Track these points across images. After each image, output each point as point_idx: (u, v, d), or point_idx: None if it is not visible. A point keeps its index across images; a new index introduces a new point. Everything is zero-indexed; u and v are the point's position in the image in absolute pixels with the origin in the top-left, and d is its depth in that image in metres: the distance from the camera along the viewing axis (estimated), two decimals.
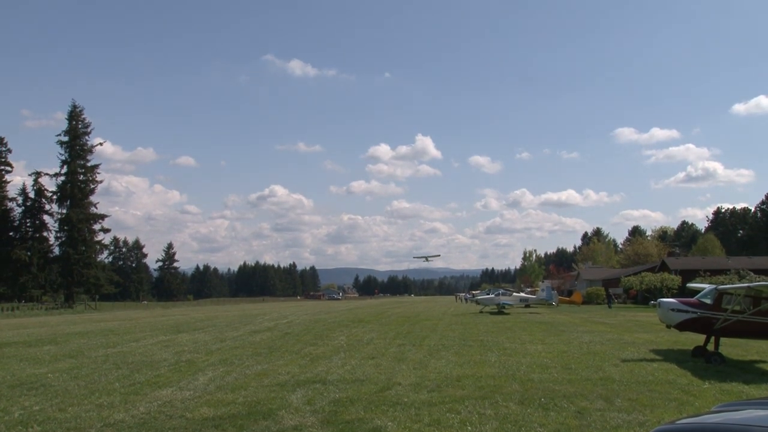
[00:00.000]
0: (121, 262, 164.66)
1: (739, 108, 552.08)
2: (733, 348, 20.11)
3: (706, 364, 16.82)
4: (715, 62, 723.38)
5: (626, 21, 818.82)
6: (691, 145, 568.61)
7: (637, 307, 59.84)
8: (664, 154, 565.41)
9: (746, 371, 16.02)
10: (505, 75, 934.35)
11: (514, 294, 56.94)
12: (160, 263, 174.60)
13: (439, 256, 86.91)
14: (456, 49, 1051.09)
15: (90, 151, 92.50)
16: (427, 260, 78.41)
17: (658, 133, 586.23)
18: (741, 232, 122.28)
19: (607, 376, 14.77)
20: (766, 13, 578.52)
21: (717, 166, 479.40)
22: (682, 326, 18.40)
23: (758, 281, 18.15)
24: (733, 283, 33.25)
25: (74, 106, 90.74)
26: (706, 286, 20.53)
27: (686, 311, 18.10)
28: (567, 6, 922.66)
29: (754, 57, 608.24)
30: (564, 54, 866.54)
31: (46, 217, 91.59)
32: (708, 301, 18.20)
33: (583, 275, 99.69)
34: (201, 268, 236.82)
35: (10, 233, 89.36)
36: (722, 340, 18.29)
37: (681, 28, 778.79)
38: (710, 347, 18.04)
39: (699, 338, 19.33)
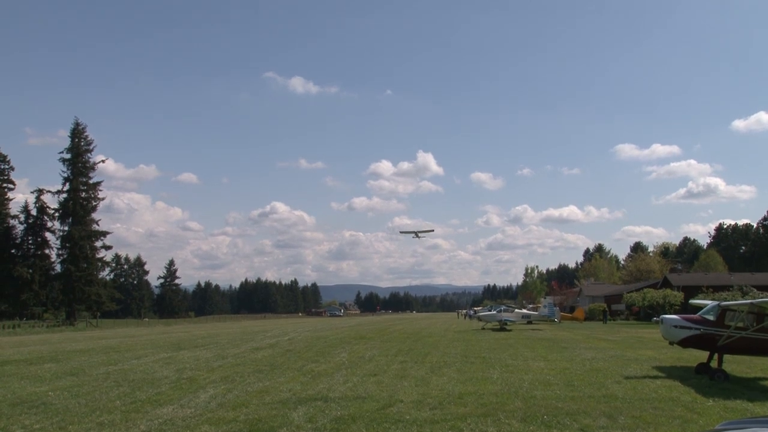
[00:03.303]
0: (122, 279, 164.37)
1: (738, 124, 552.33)
2: (736, 365, 20.02)
3: (709, 381, 16.73)
4: (714, 78, 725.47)
5: (626, 38, 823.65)
6: (692, 161, 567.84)
7: (639, 324, 59.62)
8: (665, 170, 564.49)
9: (750, 388, 15.93)
10: (506, 92, 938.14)
11: (516, 310, 56.74)
12: (162, 280, 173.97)
13: (432, 231, 76.86)
14: (457, 66, 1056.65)
15: (92, 168, 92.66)
16: (417, 236, 71.12)
17: (659, 149, 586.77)
18: (743, 248, 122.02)
19: (610, 393, 14.70)
20: (764, 30, 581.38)
21: (719, 182, 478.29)
22: (685, 343, 18.33)
23: (761, 297, 18.11)
24: (736, 300, 33.17)
25: (77, 124, 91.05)
26: (709, 303, 20.46)
27: (689, 328, 18.04)
28: (567, 23, 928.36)
29: (753, 73, 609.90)
30: (565, 71, 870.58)
31: (48, 235, 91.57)
32: (711, 317, 18.13)
33: (586, 291, 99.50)
34: (202, 284, 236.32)
35: (12, 251, 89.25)
36: (726, 356, 18.21)
37: (680, 44, 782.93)
38: (714, 364, 17.95)
39: (702, 355, 19.25)
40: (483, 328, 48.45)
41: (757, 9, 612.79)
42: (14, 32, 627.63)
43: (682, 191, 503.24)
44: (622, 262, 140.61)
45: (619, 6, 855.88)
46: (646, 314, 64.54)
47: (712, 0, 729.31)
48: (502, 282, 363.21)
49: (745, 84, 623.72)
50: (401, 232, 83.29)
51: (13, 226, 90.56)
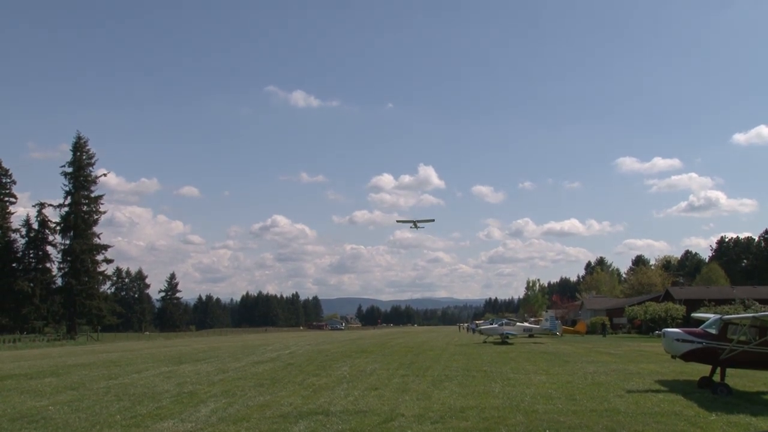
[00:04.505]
0: (123, 293, 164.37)
1: (739, 138, 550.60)
2: (739, 379, 19.94)
3: (712, 395, 16.67)
4: (714, 92, 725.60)
5: (626, 52, 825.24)
6: (693, 174, 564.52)
7: (640, 337, 59.44)
8: (666, 183, 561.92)
9: (754, 403, 15.86)
10: (508, 105, 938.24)
11: (518, 324, 56.55)
12: (163, 294, 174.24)
13: (433, 221, 70.22)
14: (458, 80, 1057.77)
15: (94, 181, 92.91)
16: (415, 226, 65.43)
17: (660, 162, 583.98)
18: (745, 261, 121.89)
19: (612, 407, 14.64)
20: (764, 43, 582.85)
21: (720, 196, 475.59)
22: (688, 356, 18.27)
23: (763, 311, 18.06)
24: (738, 313, 33.10)
25: (79, 138, 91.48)
26: (711, 316, 20.43)
27: (691, 341, 17.99)
28: (568, 37, 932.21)
29: (753, 87, 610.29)
30: (565, 84, 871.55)
31: (49, 248, 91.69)
32: (713, 331, 18.08)
33: (587, 305, 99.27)
34: (203, 298, 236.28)
35: (13, 264, 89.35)
36: (728, 370, 18.15)
37: (680, 57, 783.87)
38: (716, 378, 17.89)
39: (705, 369, 19.18)
40: (484, 342, 48.29)
41: (757, 22, 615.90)
42: (16, 46, 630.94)
43: (683, 204, 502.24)
44: (624, 276, 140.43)
45: (620, 19, 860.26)
46: (648, 328, 64.38)
47: (713, 13, 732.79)
48: (503, 295, 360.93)
49: (745, 97, 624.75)
50: (398, 221, 79.27)
51: (15, 240, 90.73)
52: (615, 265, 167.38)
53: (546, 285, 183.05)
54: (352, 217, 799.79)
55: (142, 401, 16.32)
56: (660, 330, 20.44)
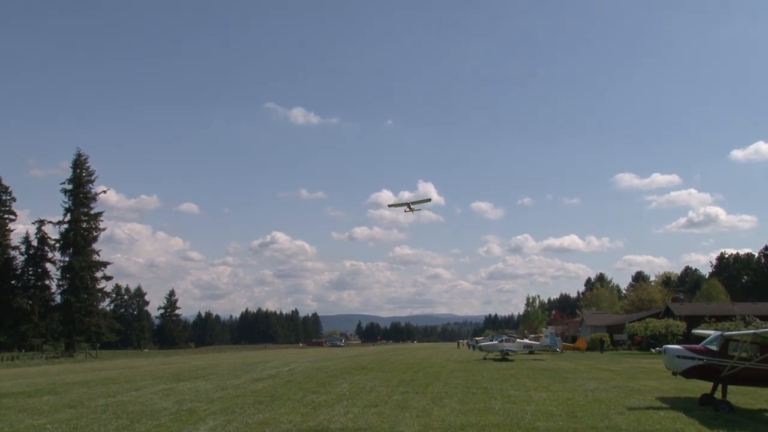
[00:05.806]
0: (122, 310, 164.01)
1: (737, 154, 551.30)
2: (741, 396, 19.86)
3: (714, 412, 16.59)
4: (712, 108, 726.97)
5: (625, 68, 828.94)
6: (692, 191, 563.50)
7: (641, 354, 59.26)
8: (665, 199, 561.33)
9: (756, 420, 15.80)
10: (507, 122, 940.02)
11: (518, 340, 56.37)
12: (162, 311, 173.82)
13: (429, 200, 61.88)
14: (457, 97, 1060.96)
15: (93, 198, 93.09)
16: (410, 209, 59.66)
17: (659, 178, 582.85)
18: (745, 277, 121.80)
19: (613, 424, 14.58)
20: (762, 59, 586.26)
21: (719, 212, 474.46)
22: (689, 373, 18.21)
23: (764, 327, 18.03)
24: (739, 330, 32.99)
25: (79, 155, 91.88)
26: (712, 333, 20.37)
27: (692, 358, 17.93)
28: (566, 53, 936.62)
29: (751, 103, 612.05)
30: (564, 101, 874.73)
31: (48, 265, 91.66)
32: (714, 347, 18.03)
33: (587, 321, 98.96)
34: (203, 315, 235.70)
35: (13, 282, 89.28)
36: (730, 387, 18.08)
37: (678, 73, 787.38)
38: (718, 395, 17.81)
39: (706, 386, 19.11)
40: (484, 358, 48.11)
41: (756, 38, 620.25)
42: (17, 63, 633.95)
43: (683, 220, 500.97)
44: (624, 292, 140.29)
45: (617, 35, 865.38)
46: (649, 344, 64.20)
47: (711, 30, 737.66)
48: (503, 312, 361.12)
49: (743, 114, 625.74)
50: (390, 206, 72.80)
51: (14, 257, 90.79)
52: (615, 281, 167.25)
53: (546, 301, 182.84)
54: (351, 233, 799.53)
55: (140, 419, 16.24)
56: (660, 346, 20.38)
